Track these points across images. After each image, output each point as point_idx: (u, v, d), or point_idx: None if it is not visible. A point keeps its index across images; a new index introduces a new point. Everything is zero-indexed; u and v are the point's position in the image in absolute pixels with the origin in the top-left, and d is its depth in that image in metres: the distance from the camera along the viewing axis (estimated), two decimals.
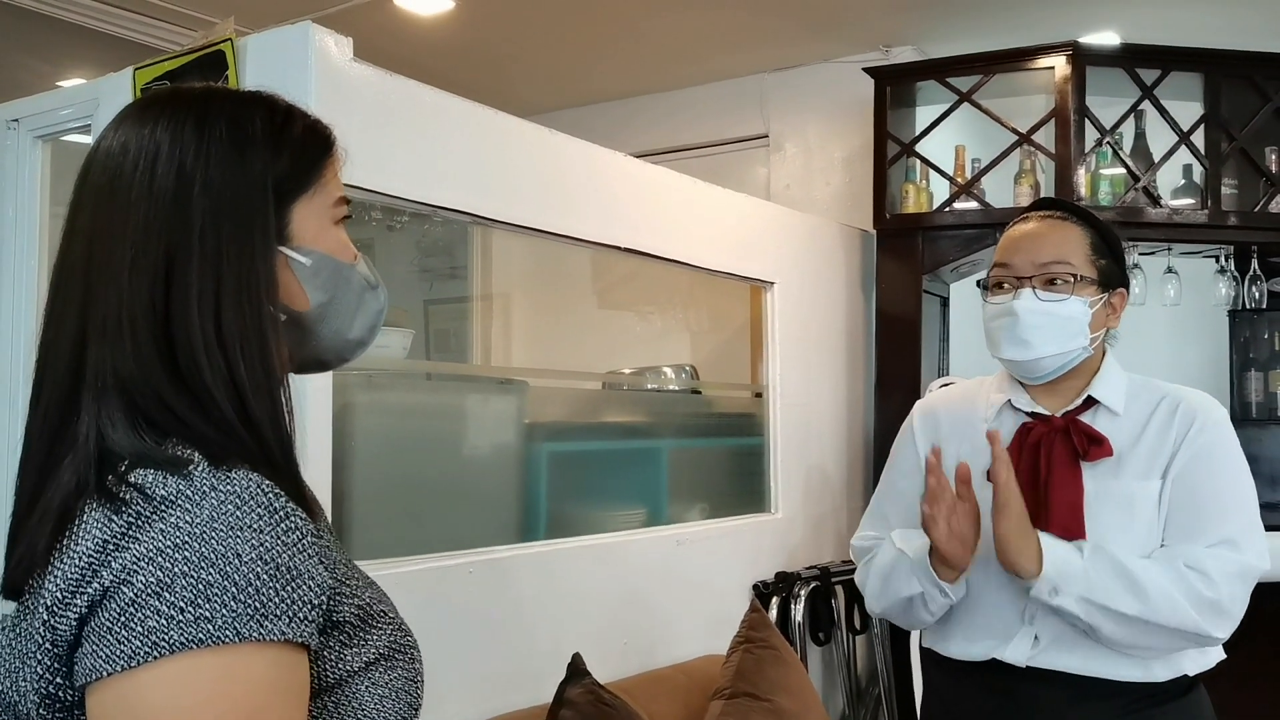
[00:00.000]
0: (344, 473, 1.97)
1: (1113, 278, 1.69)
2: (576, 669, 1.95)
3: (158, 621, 0.73)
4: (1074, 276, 1.63)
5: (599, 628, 2.48)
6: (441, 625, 2.06)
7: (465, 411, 2.30)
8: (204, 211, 0.85)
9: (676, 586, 2.75)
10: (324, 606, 0.81)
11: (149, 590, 0.74)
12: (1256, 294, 3.60)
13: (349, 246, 0.96)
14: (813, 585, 3.15)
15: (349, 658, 0.86)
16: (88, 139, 2.34)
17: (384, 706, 0.88)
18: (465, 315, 3.57)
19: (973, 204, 3.48)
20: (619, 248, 2.71)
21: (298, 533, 0.79)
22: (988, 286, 1.70)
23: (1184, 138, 3.34)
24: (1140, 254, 3.56)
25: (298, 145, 0.92)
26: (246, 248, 0.86)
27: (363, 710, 0.87)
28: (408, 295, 3.28)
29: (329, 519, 1.04)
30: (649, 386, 3.08)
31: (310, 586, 0.79)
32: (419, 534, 2.10)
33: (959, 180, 3.48)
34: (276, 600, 0.76)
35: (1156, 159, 3.38)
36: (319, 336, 0.94)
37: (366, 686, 0.87)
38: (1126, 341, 4.91)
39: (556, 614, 2.35)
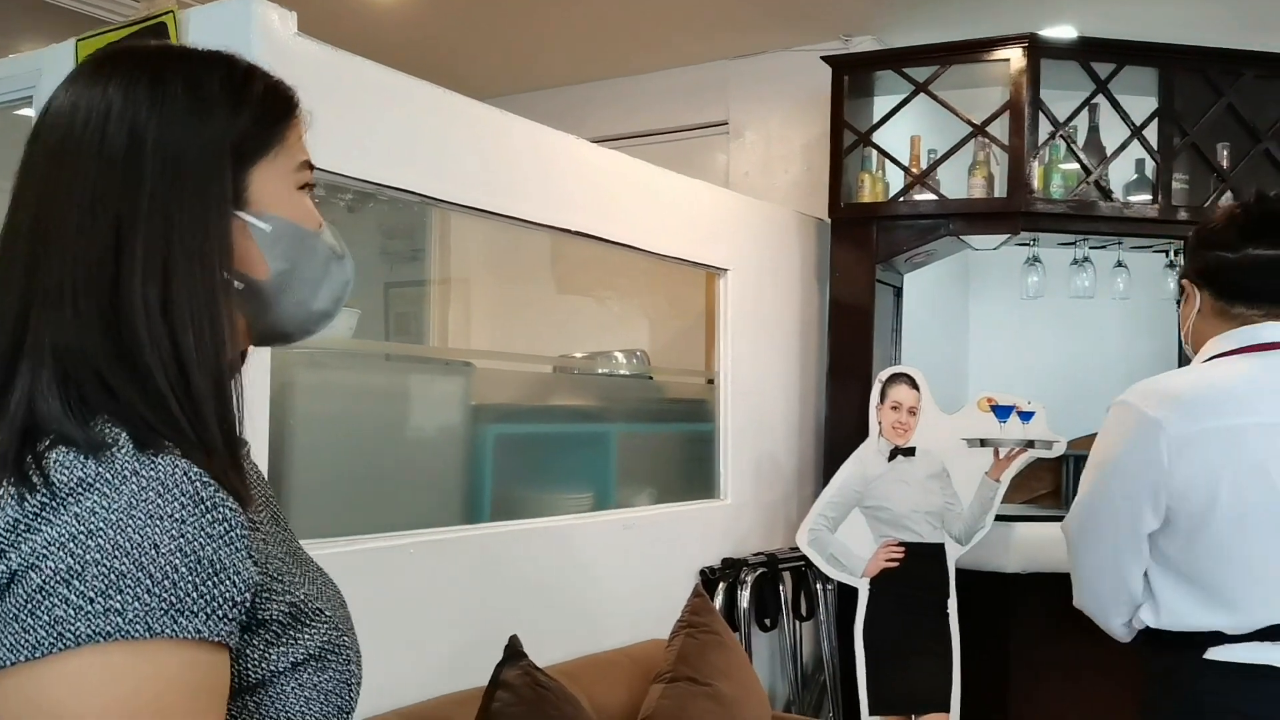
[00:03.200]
0: (282, 452, 1.95)
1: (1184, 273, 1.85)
2: (514, 651, 1.94)
3: (65, 611, 0.70)
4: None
5: (543, 611, 2.47)
6: (380, 607, 2.04)
7: (410, 393, 2.29)
8: (156, 173, 0.81)
9: (623, 571, 2.76)
10: (247, 604, 0.77)
11: (58, 577, 0.70)
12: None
13: (313, 214, 0.93)
14: (759, 572, 3.16)
15: (274, 657, 0.82)
16: (30, 112, 2.29)
17: (310, 709, 0.84)
18: (424, 299, 3.54)
19: (928, 195, 3.50)
20: (571, 231, 2.70)
21: (224, 524, 0.75)
22: None
23: (1136, 132, 3.37)
24: (1091, 247, 3.60)
25: (258, 106, 0.88)
26: (200, 212, 0.82)
27: (287, 712, 0.83)
28: (368, 278, 3.25)
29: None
30: (600, 371, 3.07)
31: (233, 582, 0.75)
32: (359, 515, 2.09)
33: (914, 171, 3.50)
34: (195, 595, 0.72)
35: (1109, 153, 3.41)
36: (280, 307, 0.90)
37: (293, 688, 0.83)
38: (1079, 333, 4.98)
39: (499, 596, 2.35)
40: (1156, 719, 1.73)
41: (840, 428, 3.53)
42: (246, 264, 0.87)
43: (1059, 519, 3.45)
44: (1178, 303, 3.68)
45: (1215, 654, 1.63)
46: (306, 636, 0.84)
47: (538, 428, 2.65)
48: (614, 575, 2.72)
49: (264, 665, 0.82)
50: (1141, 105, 3.43)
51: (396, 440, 2.22)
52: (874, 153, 3.59)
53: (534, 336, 3.63)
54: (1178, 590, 1.67)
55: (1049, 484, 4.95)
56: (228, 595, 0.74)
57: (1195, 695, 1.65)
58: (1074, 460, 4.81)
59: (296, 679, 0.84)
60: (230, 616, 0.75)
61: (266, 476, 1.83)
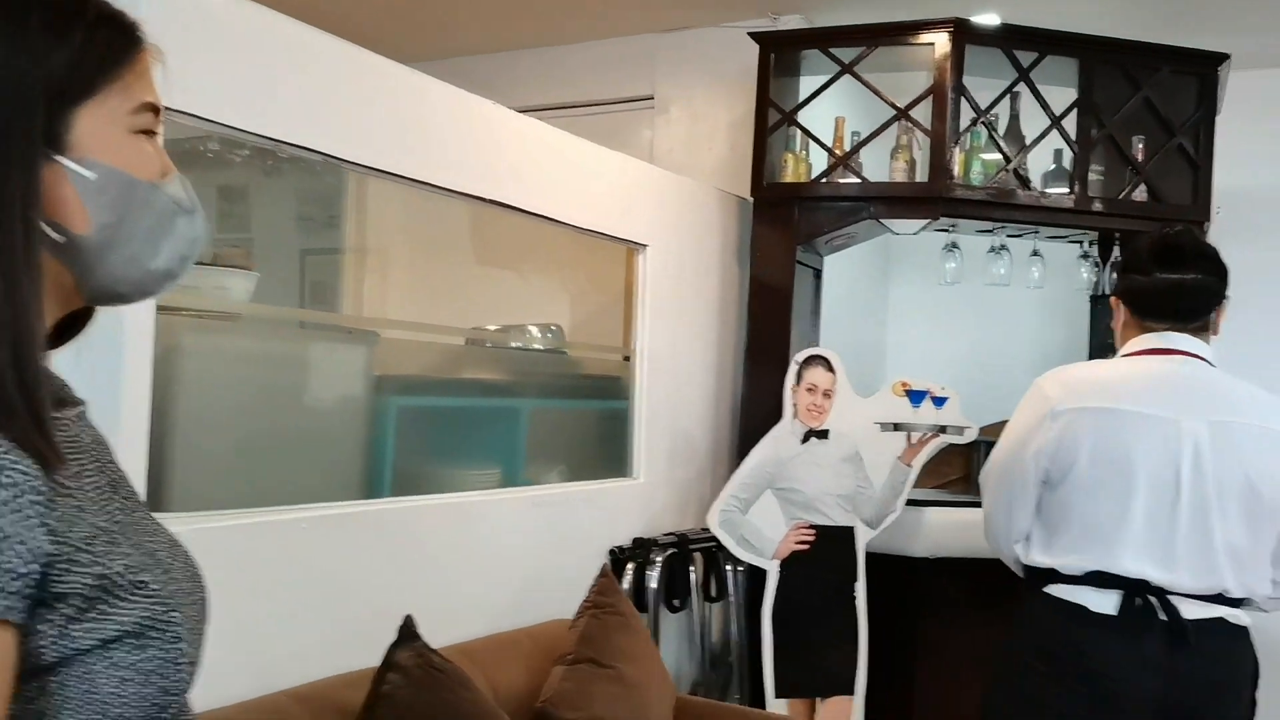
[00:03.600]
0: (166, 419, 1.85)
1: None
2: (408, 632, 1.87)
3: None
4: None
5: (446, 589, 2.40)
6: (270, 583, 1.96)
7: (308, 361, 2.19)
8: None
9: (530, 549, 2.70)
10: (35, 575, 0.71)
11: None
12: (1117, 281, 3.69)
13: (154, 162, 0.85)
14: (670, 552, 3.12)
15: (78, 634, 0.75)
16: None
17: (125, 690, 0.77)
18: (339, 266, 3.43)
19: (850, 177, 3.48)
20: (487, 200, 2.62)
21: (12, 489, 0.69)
22: None
23: (1056, 122, 3.39)
24: (1008, 236, 3.62)
25: (85, 38, 0.80)
26: (2, 153, 0.75)
27: (96, 694, 0.76)
28: (284, 244, 3.13)
29: (126, 470, 0.92)
30: (513, 345, 3.00)
31: (17, 552, 0.69)
32: (249, 487, 1.99)
33: (837, 152, 3.48)
34: None
35: (1029, 142, 3.42)
36: (109, 264, 0.82)
37: (104, 667, 0.76)
38: (994, 321, 5.01)
39: (399, 574, 2.27)
40: (1011, 635, 2.13)
41: (757, 408, 3.51)
42: (65, 214, 0.79)
43: (969, 504, 3.49)
44: (1091, 297, 3.78)
45: (1051, 589, 2.04)
46: (121, 612, 0.77)
47: (444, 401, 2.57)
48: (520, 554, 2.66)
49: (64, 643, 0.75)
50: (1062, 96, 3.45)
51: (292, 410, 2.13)
52: (798, 133, 3.56)
53: (451, 308, 3.53)
54: (1039, 533, 2.09)
55: (960, 469, 5.01)
56: (8, 565, 0.69)
57: (1035, 620, 2.07)
58: (985, 446, 4.86)
59: (108, 657, 0.77)
60: (11, 589, 0.69)
61: (146, 444, 1.74)
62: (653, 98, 4.42)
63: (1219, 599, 1.97)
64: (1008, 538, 2.15)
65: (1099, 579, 1.98)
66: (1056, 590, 2.02)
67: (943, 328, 4.99)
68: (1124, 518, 1.96)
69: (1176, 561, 1.95)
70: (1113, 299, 2.21)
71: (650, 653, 2.44)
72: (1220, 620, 1.97)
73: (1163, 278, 2.07)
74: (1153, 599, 1.94)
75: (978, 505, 3.47)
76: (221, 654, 1.90)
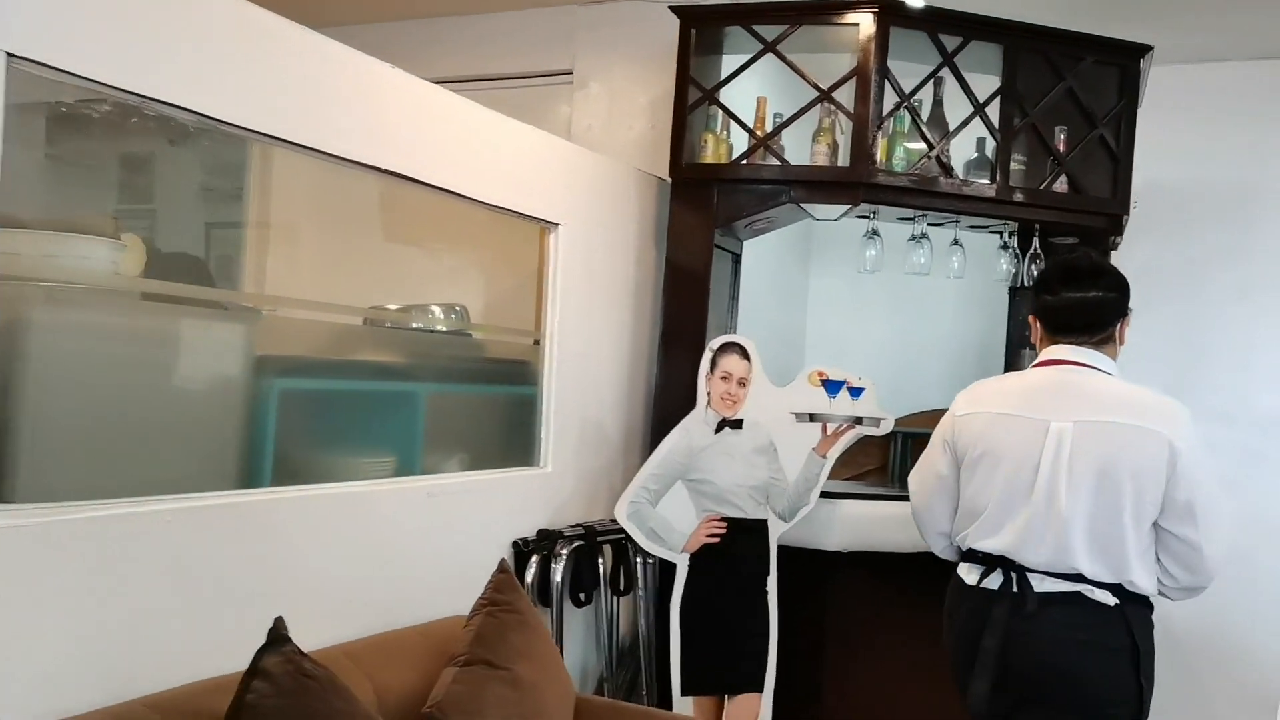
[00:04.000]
0: (10, 400, 1.67)
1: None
2: (277, 635, 1.72)
3: None
4: None
5: (330, 585, 2.25)
6: (126, 581, 1.79)
7: (178, 338, 2.01)
8: None
9: (426, 542, 2.55)
10: None
11: None
12: (1035, 272, 3.65)
13: None
14: (576, 544, 3.00)
15: None
16: None
17: None
18: (241, 241, 3.23)
19: (772, 160, 3.38)
20: (388, 171, 2.46)
21: None
22: None
23: (979, 109, 3.33)
24: (929, 224, 3.56)
25: None
26: None
27: None
28: (189, 217, 2.93)
29: None
30: (414, 326, 2.84)
31: None
32: (105, 476, 1.82)
33: (758, 133, 3.37)
34: None
35: (952, 129, 3.36)
36: None
37: None
38: (914, 311, 4.97)
39: (278, 570, 2.11)
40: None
41: (670, 396, 3.40)
42: None
43: (885, 497, 3.43)
44: (1010, 288, 3.75)
45: (959, 569, 2.43)
46: None
47: (333, 384, 2.40)
48: (415, 547, 2.51)
49: None
50: (986, 85, 3.38)
51: (158, 392, 1.95)
52: (720, 112, 3.45)
53: (353, 286, 3.35)
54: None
55: (877, 460, 4.96)
56: None
57: (948, 596, 2.45)
58: (902, 438, 4.83)
59: None
60: None
61: None
62: (571, 72, 4.27)
63: (1079, 578, 2.23)
64: (929, 528, 2.52)
65: (970, 555, 2.38)
66: (960, 570, 2.42)
67: (863, 317, 4.94)
68: (989, 502, 2.32)
69: (1027, 541, 2.26)
70: (1030, 317, 2.48)
71: (549, 652, 2.32)
72: (1075, 594, 2.22)
73: (1067, 296, 2.35)
74: (1011, 573, 2.27)
75: (893, 498, 3.45)
76: (69, 659, 1.75)
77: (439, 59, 4.28)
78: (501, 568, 2.37)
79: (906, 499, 3.46)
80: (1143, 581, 2.23)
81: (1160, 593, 2.29)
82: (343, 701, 1.73)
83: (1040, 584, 2.25)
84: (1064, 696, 2.23)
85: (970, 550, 2.37)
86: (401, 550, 2.47)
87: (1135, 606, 2.24)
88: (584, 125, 4.23)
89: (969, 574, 2.37)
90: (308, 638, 2.10)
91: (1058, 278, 2.39)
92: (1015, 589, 2.26)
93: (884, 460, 4.98)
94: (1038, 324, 2.43)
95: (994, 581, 2.31)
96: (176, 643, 1.88)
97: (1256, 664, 3.08)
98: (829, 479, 3.14)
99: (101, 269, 1.94)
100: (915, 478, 2.56)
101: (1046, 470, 2.24)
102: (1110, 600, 2.22)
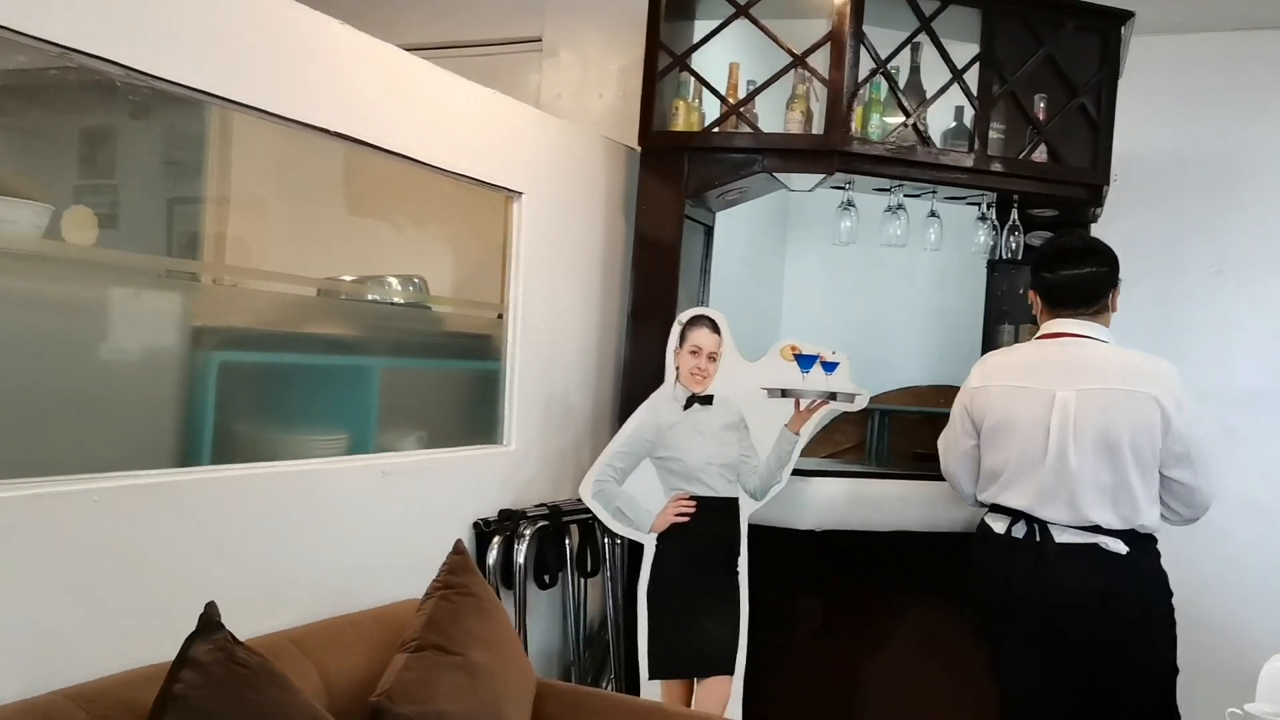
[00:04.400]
0: None
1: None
2: (208, 622, 1.62)
3: None
4: None
5: (277, 568, 2.15)
6: (47, 566, 1.68)
7: (107, 307, 1.90)
8: None
9: (381, 522, 2.45)
10: None
11: None
12: (1014, 244, 3.57)
13: None
14: (540, 524, 2.91)
15: None
16: None
17: None
18: (200, 214, 3.10)
19: (745, 128, 3.27)
20: (335, 133, 2.35)
21: None
22: None
23: (957, 75, 3.23)
24: (905, 195, 3.46)
25: None
26: None
27: None
28: (152, 192, 2.81)
29: None
30: (370, 298, 2.73)
31: None
32: (24, 453, 1.71)
33: (730, 100, 3.26)
34: None
35: (929, 96, 3.26)
36: None
37: None
38: (892, 286, 4.87)
39: (219, 552, 2.01)
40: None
41: (640, 372, 3.30)
42: None
43: (860, 475, 3.35)
44: (989, 261, 3.67)
45: (987, 519, 2.72)
46: None
47: (279, 357, 2.29)
48: (369, 528, 2.41)
49: None
50: (965, 53, 3.29)
51: (83, 364, 1.83)
52: (691, 80, 3.34)
53: (312, 257, 3.23)
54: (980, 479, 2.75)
55: (854, 438, 4.89)
56: None
57: (975, 546, 2.74)
58: (879, 415, 4.75)
59: None
60: None
61: None
62: (540, 40, 4.15)
63: (1096, 529, 2.53)
64: (959, 482, 2.82)
65: (997, 509, 2.67)
66: (987, 519, 2.71)
67: (839, 292, 4.85)
68: (1008, 465, 2.61)
69: (1045, 499, 2.56)
70: (1031, 293, 2.77)
71: (506, 636, 2.23)
72: (1093, 546, 2.53)
73: (1064, 274, 2.66)
74: (1034, 524, 2.56)
75: (868, 475, 3.37)
76: None
77: (405, 26, 4.14)
78: (457, 549, 2.27)
79: (881, 476, 3.42)
80: (1151, 521, 2.56)
81: (1163, 518, 2.62)
82: (279, 690, 1.63)
83: (1060, 535, 2.55)
84: (1087, 644, 2.55)
85: (995, 504, 2.67)
86: (354, 532, 2.37)
87: (1145, 551, 2.58)
88: (554, 94, 4.12)
89: (996, 523, 2.66)
90: (250, 624, 2.01)
91: (1054, 257, 2.70)
92: (1038, 539, 2.55)
93: (861, 437, 4.91)
94: (1038, 299, 2.73)
95: (1020, 530, 2.60)
96: (104, 631, 1.78)
97: (1235, 640, 3.05)
98: (803, 456, 3.05)
99: (23, 233, 1.82)
100: (942, 444, 2.87)
101: (1055, 436, 2.53)
102: (1123, 549, 2.52)
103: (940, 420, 3.69)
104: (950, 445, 2.83)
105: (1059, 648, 2.58)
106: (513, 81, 4.10)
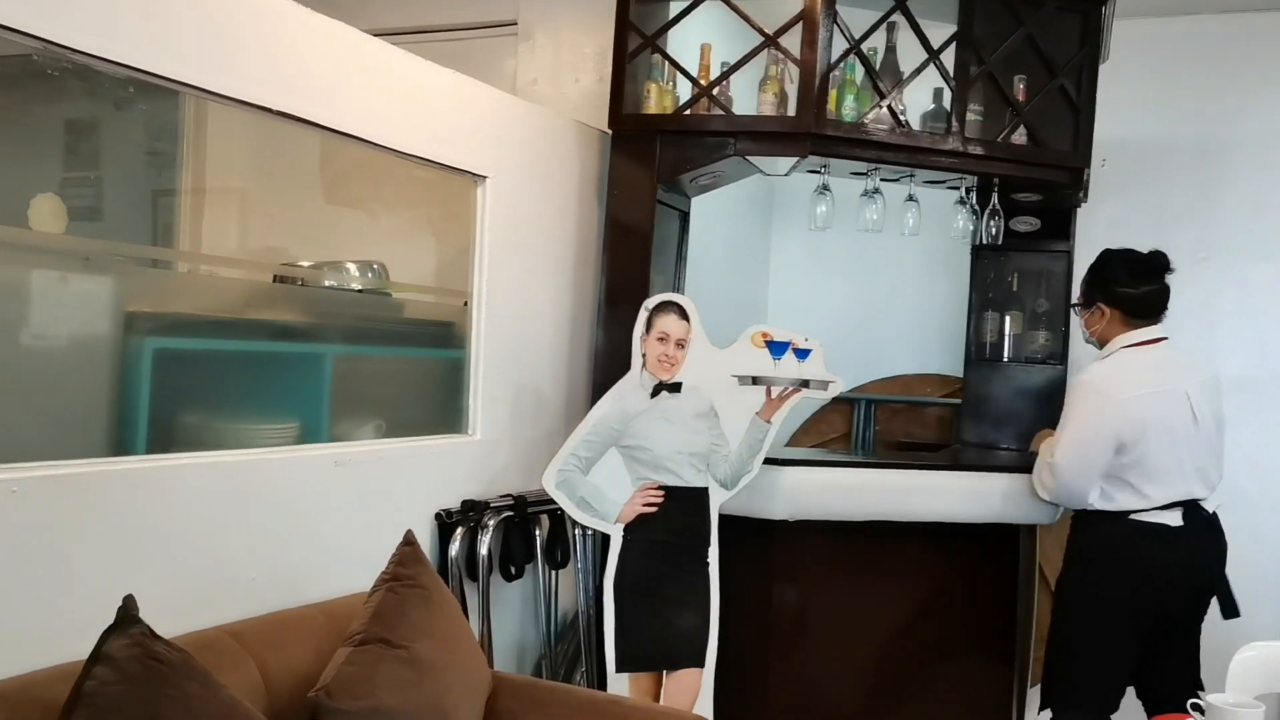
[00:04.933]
0: None
1: (1089, 300, 2.98)
2: (125, 615, 1.56)
3: None
4: (1075, 303, 3.09)
5: (217, 561, 2.09)
6: None
7: (28, 292, 1.83)
8: None
9: (333, 514, 2.39)
10: None
11: None
12: (994, 229, 3.49)
13: None
14: (504, 515, 2.85)
15: None
16: None
17: None
18: (176, 205, 3.04)
19: (717, 110, 3.20)
20: (291, 115, 2.28)
21: None
22: None
23: (933, 55, 3.15)
24: (882, 179, 3.39)
25: None
26: None
27: None
28: (135, 184, 2.75)
29: None
30: (326, 284, 2.66)
31: None
32: None
33: (702, 82, 3.19)
34: None
35: (905, 77, 3.18)
36: None
37: None
38: (879, 274, 4.76)
39: (153, 544, 1.95)
40: (1088, 560, 2.89)
41: (614, 360, 3.22)
42: None
43: (833, 464, 3.27)
44: (973, 248, 3.57)
45: (1135, 516, 2.82)
46: None
47: (217, 343, 2.22)
48: (321, 519, 2.35)
49: None
50: (943, 34, 3.21)
51: (1, 349, 1.78)
52: (665, 62, 3.27)
53: (272, 243, 3.17)
54: (1111, 486, 2.84)
55: (840, 427, 4.82)
56: None
57: (1116, 540, 2.84)
58: (865, 404, 4.69)
59: None
60: None
61: None
62: (516, 23, 4.07)
63: (1200, 504, 2.85)
64: (1085, 493, 2.87)
65: (1167, 504, 2.82)
66: (1140, 516, 2.81)
67: (827, 280, 4.78)
68: (1159, 462, 2.79)
69: (1190, 485, 2.82)
70: (1101, 305, 2.93)
71: (456, 629, 2.16)
72: (1215, 517, 2.88)
73: (1148, 289, 2.90)
74: (1187, 509, 2.81)
75: (841, 464, 3.30)
76: None
77: (376, 10, 4.06)
78: (407, 540, 2.21)
79: (856, 465, 3.35)
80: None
81: None
82: (198, 685, 1.57)
83: (1201, 514, 2.83)
84: (1198, 610, 2.87)
85: (1144, 497, 2.82)
86: (303, 523, 2.31)
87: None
88: (529, 78, 4.04)
89: (1152, 515, 2.81)
90: (187, 619, 1.96)
91: (1134, 274, 2.91)
92: (1190, 521, 2.80)
93: (848, 428, 4.84)
94: (1112, 310, 2.92)
95: (1174, 518, 2.80)
96: (23, 628, 1.72)
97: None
98: (790, 446, 2.99)
99: None
100: (1075, 456, 2.84)
101: (1192, 427, 2.82)
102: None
103: (926, 409, 3.65)
104: (1087, 464, 2.84)
105: (1166, 618, 2.83)
106: (488, 67, 4.02)
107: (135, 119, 2.42)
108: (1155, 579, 2.80)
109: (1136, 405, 2.79)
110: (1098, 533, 2.88)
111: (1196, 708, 2.09)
